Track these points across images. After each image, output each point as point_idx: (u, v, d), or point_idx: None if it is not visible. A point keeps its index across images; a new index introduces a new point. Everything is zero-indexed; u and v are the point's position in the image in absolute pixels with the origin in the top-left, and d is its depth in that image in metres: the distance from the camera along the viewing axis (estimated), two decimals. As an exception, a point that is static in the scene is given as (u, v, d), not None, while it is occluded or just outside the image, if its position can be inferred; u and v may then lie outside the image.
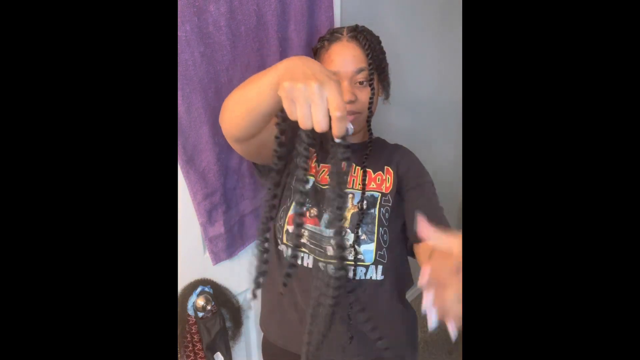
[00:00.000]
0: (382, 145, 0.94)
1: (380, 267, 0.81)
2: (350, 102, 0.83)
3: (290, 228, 0.84)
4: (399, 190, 0.85)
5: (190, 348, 1.03)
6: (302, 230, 0.81)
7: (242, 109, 0.65)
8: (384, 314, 0.86)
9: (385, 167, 0.87)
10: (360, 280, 0.82)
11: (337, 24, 1.14)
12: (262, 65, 0.99)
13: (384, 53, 0.90)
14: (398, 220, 0.83)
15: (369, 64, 0.83)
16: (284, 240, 0.85)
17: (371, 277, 0.82)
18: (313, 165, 0.91)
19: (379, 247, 0.80)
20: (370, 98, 0.84)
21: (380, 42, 0.89)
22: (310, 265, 0.84)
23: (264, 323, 0.99)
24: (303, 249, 0.83)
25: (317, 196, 0.86)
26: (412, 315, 0.94)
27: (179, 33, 0.83)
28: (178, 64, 0.84)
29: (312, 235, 0.83)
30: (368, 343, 0.86)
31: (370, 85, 0.84)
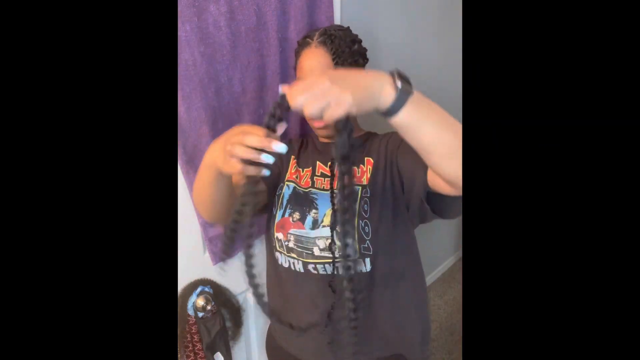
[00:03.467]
0: (370, 139, 0.91)
1: (367, 260, 0.82)
2: None
3: (279, 235, 0.86)
4: (391, 165, 0.83)
5: (190, 348, 1.03)
6: (288, 236, 0.84)
7: (207, 199, 0.73)
8: (377, 303, 0.86)
9: (366, 158, 0.87)
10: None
11: (337, 23, 1.14)
12: (262, 65, 0.99)
13: (357, 55, 0.86)
14: (380, 209, 0.82)
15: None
16: (277, 248, 0.87)
17: (360, 270, 0.82)
18: (294, 171, 0.92)
19: (361, 241, 0.80)
20: None
21: (354, 44, 0.86)
22: (302, 270, 0.85)
23: (272, 326, 1.02)
24: (292, 254, 0.84)
25: (298, 200, 0.86)
26: (417, 300, 0.93)
27: (179, 33, 0.83)
28: (178, 64, 0.84)
29: (298, 239, 0.84)
30: (365, 344, 0.87)
31: None
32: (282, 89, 0.54)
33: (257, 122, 1.02)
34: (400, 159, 0.80)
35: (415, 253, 0.93)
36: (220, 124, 0.95)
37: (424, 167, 0.73)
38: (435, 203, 0.77)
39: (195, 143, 0.93)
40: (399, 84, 0.53)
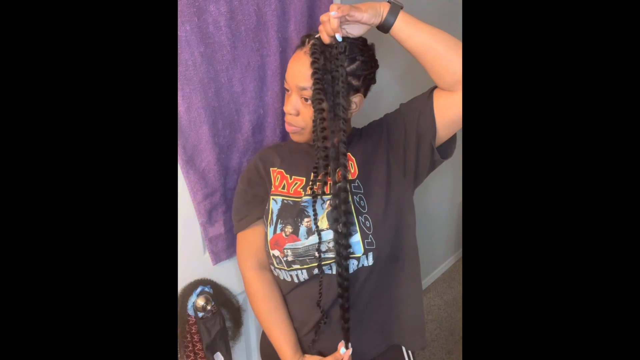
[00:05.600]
0: (355, 138, 0.90)
1: (370, 254, 0.82)
2: (291, 114, 0.83)
3: (275, 252, 0.85)
4: (373, 160, 0.85)
5: (190, 348, 1.03)
6: (285, 252, 0.83)
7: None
8: (376, 296, 0.86)
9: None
10: (353, 272, 0.82)
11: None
12: (262, 65, 0.99)
13: (353, 75, 0.81)
14: (377, 200, 0.83)
15: (315, 84, 0.76)
16: (276, 265, 0.86)
17: (363, 264, 0.82)
18: (278, 182, 0.90)
19: (364, 236, 0.80)
20: (314, 120, 0.78)
21: (352, 62, 0.80)
22: (307, 277, 0.85)
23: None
24: (294, 267, 0.84)
25: (288, 212, 0.85)
26: (414, 293, 0.92)
27: (179, 33, 0.83)
28: (178, 64, 0.84)
29: (296, 252, 0.83)
30: (363, 343, 0.86)
31: (313, 105, 0.77)
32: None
33: (256, 122, 1.02)
34: (400, 119, 0.84)
35: (413, 235, 0.91)
36: (220, 124, 0.95)
37: (431, 115, 0.79)
38: (440, 147, 0.83)
39: (195, 143, 0.93)
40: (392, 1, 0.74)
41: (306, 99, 0.81)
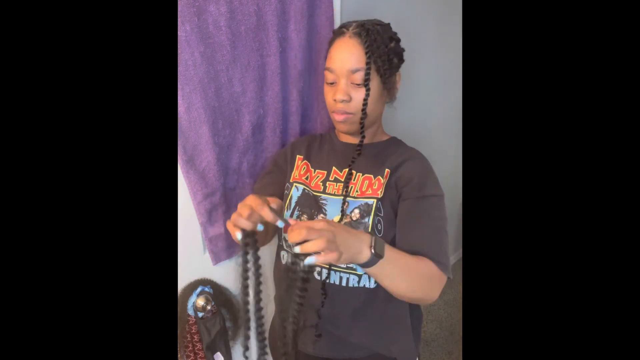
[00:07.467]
0: (392, 148, 0.91)
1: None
2: (344, 101, 0.82)
3: (287, 236, 0.84)
4: (392, 196, 0.83)
5: (190, 348, 1.03)
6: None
7: None
8: (378, 319, 0.86)
9: (386, 169, 0.85)
10: (353, 287, 0.82)
11: (337, 24, 1.14)
12: (262, 65, 0.99)
13: (392, 53, 0.84)
14: (391, 228, 0.82)
15: (367, 64, 0.79)
16: (285, 247, 0.87)
17: (364, 285, 0.82)
18: (303, 172, 0.91)
19: None
20: (364, 100, 0.81)
21: (390, 42, 0.84)
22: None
23: (274, 320, 1.03)
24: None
25: (308, 202, 0.86)
26: (414, 315, 0.93)
27: (179, 33, 0.83)
28: (178, 64, 0.84)
29: None
30: (340, 342, 0.86)
31: (365, 86, 0.80)
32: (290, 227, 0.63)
33: (256, 122, 1.02)
34: (402, 212, 0.82)
35: None
36: (220, 124, 0.95)
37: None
38: None
39: (195, 143, 0.93)
40: (372, 250, 0.65)
41: (358, 84, 0.82)
